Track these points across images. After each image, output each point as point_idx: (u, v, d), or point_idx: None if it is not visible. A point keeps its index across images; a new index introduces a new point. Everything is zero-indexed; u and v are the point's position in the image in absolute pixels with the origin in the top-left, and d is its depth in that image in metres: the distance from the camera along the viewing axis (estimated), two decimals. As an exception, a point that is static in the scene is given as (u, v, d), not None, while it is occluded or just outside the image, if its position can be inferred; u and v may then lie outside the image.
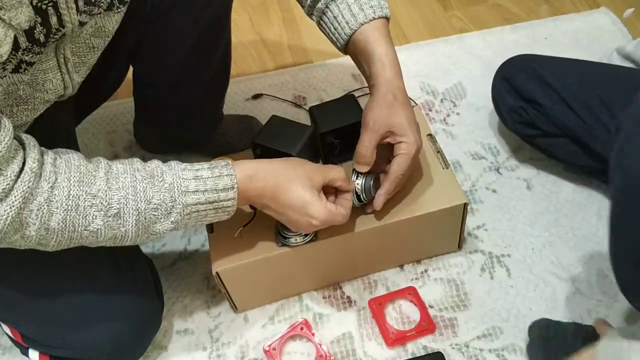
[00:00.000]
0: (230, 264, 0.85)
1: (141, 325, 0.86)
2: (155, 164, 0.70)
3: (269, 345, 0.92)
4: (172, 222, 0.69)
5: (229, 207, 0.72)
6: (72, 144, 0.97)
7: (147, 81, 1.02)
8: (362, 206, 0.87)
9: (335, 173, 0.79)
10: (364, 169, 0.83)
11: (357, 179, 0.83)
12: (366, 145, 0.81)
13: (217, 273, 0.85)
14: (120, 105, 1.29)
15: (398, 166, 0.81)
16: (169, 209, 0.68)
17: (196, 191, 0.69)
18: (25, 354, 0.87)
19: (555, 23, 1.41)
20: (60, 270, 0.80)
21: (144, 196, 0.66)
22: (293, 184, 0.74)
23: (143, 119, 1.15)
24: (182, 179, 0.69)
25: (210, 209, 0.71)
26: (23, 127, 0.73)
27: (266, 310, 0.98)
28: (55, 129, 0.84)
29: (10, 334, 0.86)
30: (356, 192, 0.84)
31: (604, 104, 0.94)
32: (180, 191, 0.68)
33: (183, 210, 0.69)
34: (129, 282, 0.86)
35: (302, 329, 0.93)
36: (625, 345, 0.72)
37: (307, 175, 0.76)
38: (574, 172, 1.10)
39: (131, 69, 1.01)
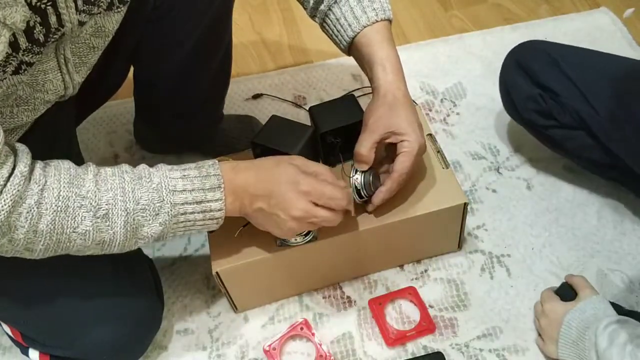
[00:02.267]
0: (230, 264, 0.85)
1: (141, 325, 0.86)
2: (142, 167, 0.70)
3: (269, 345, 0.92)
4: (160, 223, 0.68)
5: (216, 209, 0.71)
6: (72, 144, 0.97)
7: (147, 81, 1.02)
8: (363, 203, 0.87)
9: (320, 167, 0.77)
10: (364, 167, 0.83)
11: (355, 174, 0.83)
12: (364, 146, 0.81)
13: (217, 273, 0.85)
14: (120, 105, 1.29)
15: (401, 164, 0.81)
16: (157, 209, 0.68)
17: (184, 190, 0.69)
18: (25, 353, 0.87)
19: (555, 23, 1.41)
20: (60, 271, 0.80)
21: (133, 196, 0.66)
22: (276, 165, 0.75)
23: (143, 119, 1.15)
24: (170, 178, 0.69)
25: (198, 211, 0.70)
26: (24, 128, 0.73)
27: (266, 310, 0.98)
28: (56, 129, 0.84)
29: (10, 333, 0.86)
30: (356, 188, 0.84)
31: (618, 96, 0.92)
32: (168, 190, 0.68)
33: (171, 210, 0.68)
34: (129, 282, 0.86)
35: (302, 329, 0.93)
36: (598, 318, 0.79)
37: (288, 157, 0.77)
38: (574, 172, 1.10)
39: (131, 69, 1.01)
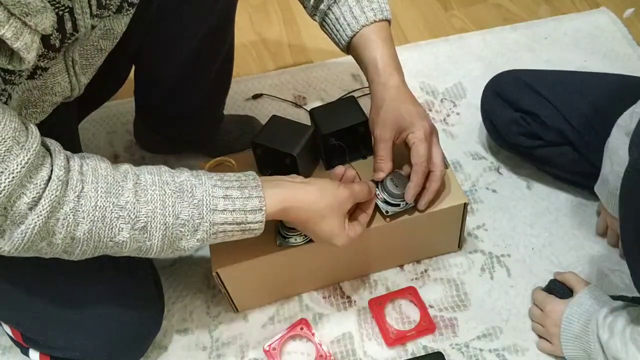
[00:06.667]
0: (230, 264, 0.85)
1: (141, 326, 0.87)
2: (185, 177, 0.68)
3: (269, 345, 0.92)
4: (197, 239, 0.68)
5: (255, 228, 0.71)
6: (74, 143, 0.97)
7: (148, 81, 1.02)
8: (404, 209, 0.86)
9: (359, 193, 0.79)
10: (382, 175, 0.83)
11: (376, 190, 0.84)
12: (382, 156, 0.82)
13: (217, 273, 0.85)
14: (120, 105, 1.29)
15: (417, 154, 0.81)
16: (196, 225, 0.67)
17: (224, 210, 0.68)
18: (26, 354, 0.87)
19: (555, 23, 1.41)
20: (61, 271, 0.79)
21: (173, 211, 0.66)
22: (324, 218, 0.74)
23: (143, 119, 1.15)
24: (212, 196, 0.68)
25: (237, 230, 0.70)
26: None
27: (266, 310, 0.98)
28: (59, 128, 0.83)
29: (10, 333, 0.86)
30: (385, 202, 0.84)
31: (596, 109, 0.95)
32: (208, 209, 0.67)
33: (210, 229, 0.68)
34: (129, 282, 0.86)
35: (302, 329, 0.93)
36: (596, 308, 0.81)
37: (339, 203, 0.76)
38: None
39: (132, 68, 1.01)
